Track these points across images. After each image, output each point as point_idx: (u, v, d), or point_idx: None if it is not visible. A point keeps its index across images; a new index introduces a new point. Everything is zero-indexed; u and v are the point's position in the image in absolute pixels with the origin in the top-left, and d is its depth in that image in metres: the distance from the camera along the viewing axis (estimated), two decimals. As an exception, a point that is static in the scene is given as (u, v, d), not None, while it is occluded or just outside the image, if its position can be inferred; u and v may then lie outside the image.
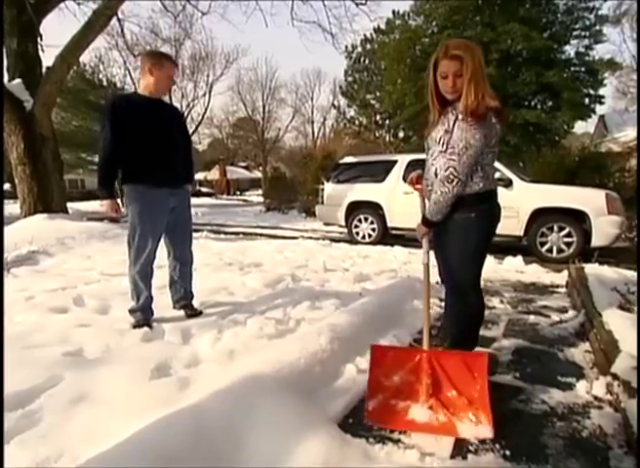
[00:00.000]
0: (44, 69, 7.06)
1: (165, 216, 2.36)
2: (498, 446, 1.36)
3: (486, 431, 1.39)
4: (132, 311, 2.36)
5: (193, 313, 2.49)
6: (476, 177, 1.64)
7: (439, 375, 1.53)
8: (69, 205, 7.80)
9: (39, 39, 7.09)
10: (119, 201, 2.33)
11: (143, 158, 2.25)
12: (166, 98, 2.61)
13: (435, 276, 1.92)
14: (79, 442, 1.30)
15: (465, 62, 1.54)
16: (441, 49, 1.61)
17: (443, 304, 2.06)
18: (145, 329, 2.23)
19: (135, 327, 2.26)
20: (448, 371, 1.52)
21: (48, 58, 7.09)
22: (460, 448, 1.35)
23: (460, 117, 1.58)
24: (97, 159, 2.25)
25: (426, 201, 1.81)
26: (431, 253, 1.85)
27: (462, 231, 1.70)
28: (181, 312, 2.51)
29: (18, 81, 6.57)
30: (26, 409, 1.47)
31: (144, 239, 2.29)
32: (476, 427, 1.41)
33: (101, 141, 2.23)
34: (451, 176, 1.60)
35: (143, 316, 2.34)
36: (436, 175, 1.70)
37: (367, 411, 1.51)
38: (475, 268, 1.77)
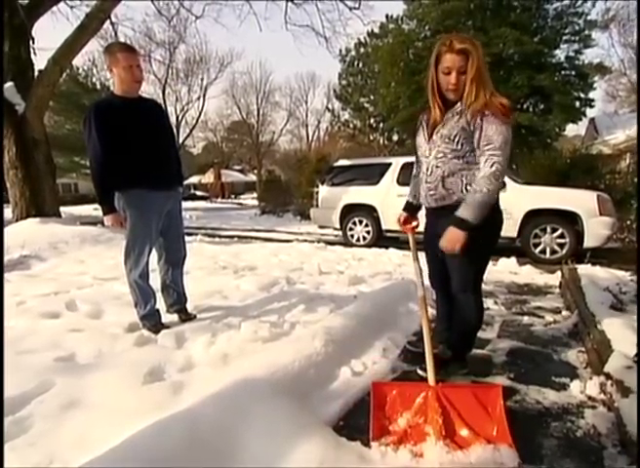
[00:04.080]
0: (36, 72, 7.01)
1: (162, 219, 2.32)
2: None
3: None
4: (144, 317, 2.31)
5: (187, 317, 2.48)
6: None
7: (450, 413, 1.38)
8: (62, 209, 7.74)
9: (31, 42, 7.05)
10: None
11: (137, 162, 2.19)
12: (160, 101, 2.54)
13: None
14: (70, 448, 1.28)
15: (472, 58, 1.47)
16: (444, 42, 1.51)
17: (435, 306, 2.06)
18: (142, 332, 2.21)
19: (156, 332, 2.23)
20: (458, 408, 1.38)
21: (40, 62, 7.06)
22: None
23: (486, 112, 1.50)
24: (89, 163, 2.18)
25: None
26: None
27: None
28: (175, 316, 2.49)
29: (9, 84, 6.51)
30: (17, 415, 1.45)
31: (146, 243, 2.26)
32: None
33: (91, 151, 2.11)
34: (497, 173, 1.48)
35: (157, 318, 2.35)
36: (443, 178, 1.62)
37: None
38: (477, 275, 1.73)
